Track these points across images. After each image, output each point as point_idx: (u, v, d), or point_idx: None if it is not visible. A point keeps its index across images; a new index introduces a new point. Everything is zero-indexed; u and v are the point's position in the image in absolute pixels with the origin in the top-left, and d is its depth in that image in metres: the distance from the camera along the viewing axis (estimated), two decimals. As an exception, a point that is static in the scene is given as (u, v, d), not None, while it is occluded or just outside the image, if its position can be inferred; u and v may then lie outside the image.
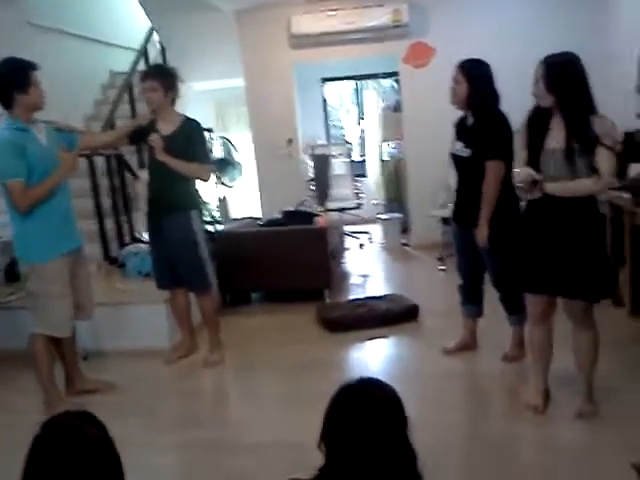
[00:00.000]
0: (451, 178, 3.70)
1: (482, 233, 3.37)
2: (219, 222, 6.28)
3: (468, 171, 3.45)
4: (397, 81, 7.40)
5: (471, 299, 3.76)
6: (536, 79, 2.74)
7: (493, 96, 3.38)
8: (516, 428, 2.96)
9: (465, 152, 3.40)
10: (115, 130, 4.66)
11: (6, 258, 4.40)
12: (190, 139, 3.76)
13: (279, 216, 5.52)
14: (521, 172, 2.77)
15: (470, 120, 3.44)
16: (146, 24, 7.19)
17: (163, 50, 7.29)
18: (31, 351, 3.36)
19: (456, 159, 3.51)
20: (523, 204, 3.04)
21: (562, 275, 2.76)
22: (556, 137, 2.72)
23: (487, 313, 3.78)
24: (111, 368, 4.05)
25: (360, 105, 9.10)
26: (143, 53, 6.82)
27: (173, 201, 3.76)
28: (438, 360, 3.77)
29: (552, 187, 2.73)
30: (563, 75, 2.67)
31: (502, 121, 3.34)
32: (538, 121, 2.81)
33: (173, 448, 3.10)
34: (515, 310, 3.55)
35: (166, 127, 3.77)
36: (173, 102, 3.82)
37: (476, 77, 3.35)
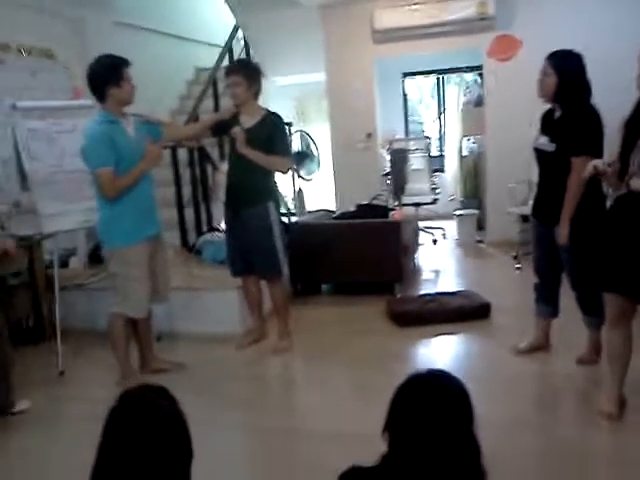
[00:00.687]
0: (533, 174, 3.58)
1: (563, 232, 3.25)
2: (294, 214, 6.37)
3: (551, 167, 3.31)
4: (480, 75, 7.23)
5: (546, 299, 3.64)
6: None
7: (584, 89, 3.22)
8: (588, 435, 2.84)
9: (550, 147, 3.26)
10: (198, 123, 4.81)
11: (91, 242, 4.65)
12: (271, 132, 3.84)
13: (354, 209, 5.54)
14: (588, 165, 2.66)
15: (557, 113, 3.30)
16: (230, 21, 7.37)
17: (247, 46, 7.45)
18: (110, 330, 3.55)
19: (539, 154, 3.38)
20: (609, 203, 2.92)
21: None
22: None
23: (563, 313, 3.65)
24: (183, 350, 4.20)
25: (441, 100, 8.97)
26: (228, 49, 6.99)
27: (252, 192, 3.84)
28: (509, 360, 3.67)
29: (636, 183, 2.61)
30: None
31: (591, 115, 3.17)
32: (638, 117, 2.67)
33: (238, 429, 3.20)
34: (592, 312, 3.41)
35: (248, 120, 3.86)
36: (256, 96, 3.90)
37: (565, 69, 3.21)
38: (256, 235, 3.87)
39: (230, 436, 3.12)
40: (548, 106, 3.40)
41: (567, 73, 3.21)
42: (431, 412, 1.38)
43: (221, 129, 4.00)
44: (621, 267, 2.70)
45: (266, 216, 3.88)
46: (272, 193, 3.99)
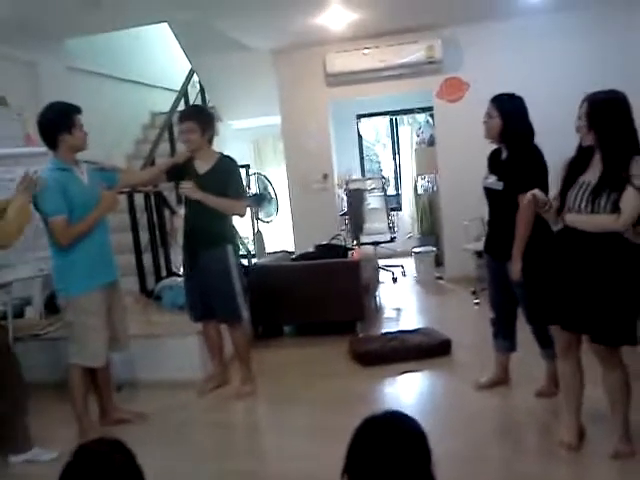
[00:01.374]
0: (485, 211, 3.70)
1: (516, 267, 3.33)
2: (253, 256, 6.36)
3: (501, 204, 3.43)
4: (432, 116, 7.45)
5: (504, 333, 3.71)
6: (579, 115, 2.72)
7: (527, 130, 3.37)
8: (549, 467, 2.88)
9: (498, 185, 3.39)
10: (153, 168, 4.82)
11: (47, 291, 4.55)
12: (225, 176, 3.86)
13: (312, 250, 5.58)
14: (528, 193, 2.77)
15: (504, 154, 3.44)
16: (185, 65, 7.45)
17: (202, 90, 7.52)
18: (68, 381, 3.46)
19: (489, 192, 3.50)
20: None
21: (583, 313, 2.69)
22: (592, 173, 2.70)
23: (521, 347, 3.72)
24: (144, 399, 4.11)
25: (395, 140, 9.19)
26: (183, 94, 7.05)
27: (210, 236, 3.84)
28: (471, 395, 3.71)
29: (571, 218, 2.73)
30: (605, 113, 2.63)
31: (535, 155, 3.33)
32: (580, 159, 2.79)
33: (203, 477, 3.13)
34: (548, 344, 3.47)
35: (202, 165, 3.88)
36: (210, 141, 3.93)
37: (509, 111, 3.36)
38: (215, 279, 3.86)
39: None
40: (495, 146, 3.54)
41: (511, 115, 3.36)
42: (388, 454, 1.39)
43: (176, 173, 3.99)
44: (565, 303, 2.78)
45: (225, 259, 3.87)
46: (229, 236, 3.99)
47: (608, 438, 2.86)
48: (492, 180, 3.45)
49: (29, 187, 3.22)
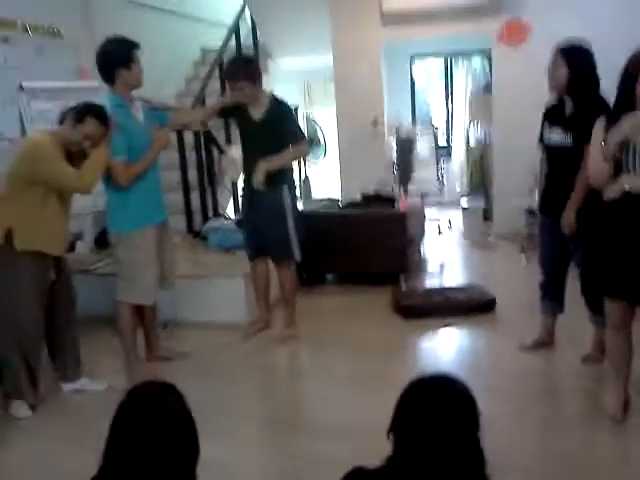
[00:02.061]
0: (540, 167, 3.57)
1: (570, 218, 3.25)
2: (300, 201, 6.33)
3: (566, 160, 3.28)
4: (489, 60, 7.14)
5: (552, 295, 3.63)
6: None
7: (594, 82, 3.22)
8: (592, 436, 2.87)
9: (567, 140, 3.25)
10: (205, 108, 4.78)
11: (97, 227, 4.63)
12: (282, 120, 3.85)
13: (359, 199, 5.51)
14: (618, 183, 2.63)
15: (569, 107, 3.28)
16: (236, 1, 7.26)
17: (254, 27, 7.35)
18: (117, 317, 3.56)
19: (552, 148, 3.37)
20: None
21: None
22: None
23: (569, 310, 3.64)
24: (189, 338, 4.21)
25: (449, 84, 8.88)
26: (235, 30, 6.90)
27: (268, 177, 3.79)
28: (513, 355, 3.68)
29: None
30: None
31: (606, 107, 3.14)
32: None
33: (244, 418, 3.21)
34: (599, 310, 3.39)
35: (256, 111, 3.84)
36: (261, 87, 3.88)
37: (577, 62, 3.20)
38: (270, 218, 3.89)
39: (235, 425, 3.13)
40: (551, 99, 3.38)
41: (579, 67, 3.21)
42: (436, 416, 1.39)
43: (228, 113, 4.00)
44: (624, 272, 2.69)
45: (280, 199, 3.89)
46: (286, 177, 3.98)
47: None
48: (557, 135, 3.30)
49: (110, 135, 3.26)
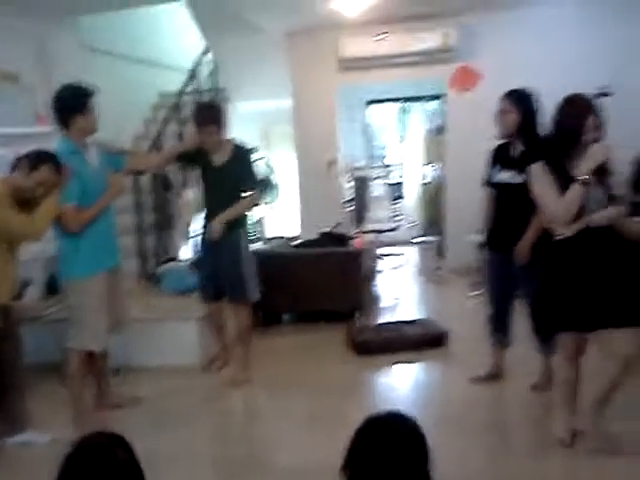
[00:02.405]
0: (485, 206, 3.70)
1: (525, 250, 3.37)
2: (254, 241, 6.38)
3: (514, 198, 3.41)
4: (443, 104, 7.38)
5: (500, 328, 3.74)
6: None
7: (539, 124, 3.41)
8: (540, 462, 2.92)
9: (518, 179, 3.37)
10: (162, 152, 4.81)
11: (47, 272, 4.58)
12: (242, 167, 3.96)
13: (316, 237, 5.58)
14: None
15: (518, 148, 3.45)
16: (195, 46, 7.40)
17: (214, 71, 7.46)
18: (66, 365, 3.48)
19: (503, 188, 3.51)
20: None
21: (616, 305, 2.74)
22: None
23: (517, 339, 3.74)
24: (141, 383, 4.15)
25: (404, 127, 9.12)
26: (193, 74, 7.01)
27: (236, 224, 3.92)
28: (465, 388, 3.75)
29: (596, 218, 2.76)
30: None
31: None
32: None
33: (200, 462, 3.18)
34: (546, 339, 3.51)
35: (218, 157, 3.92)
36: (225, 131, 3.98)
37: (526, 107, 3.40)
38: (227, 262, 3.94)
39: (192, 469, 3.09)
40: (499, 141, 3.54)
41: (527, 110, 3.39)
42: (387, 453, 1.43)
43: (188, 159, 4.05)
44: (574, 305, 2.80)
45: (236, 244, 3.96)
46: (241, 222, 4.06)
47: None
48: (507, 175, 3.46)
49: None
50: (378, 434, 1.48)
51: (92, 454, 1.44)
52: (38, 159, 3.16)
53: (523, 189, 3.33)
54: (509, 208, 3.51)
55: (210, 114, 3.92)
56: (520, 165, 3.39)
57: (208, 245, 3.98)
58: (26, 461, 3.24)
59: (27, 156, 3.19)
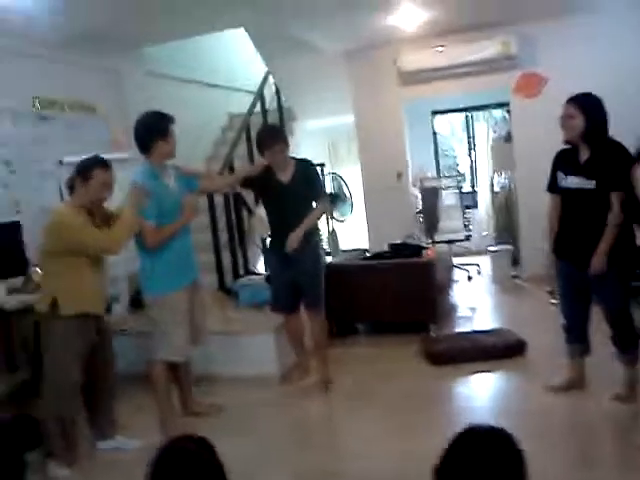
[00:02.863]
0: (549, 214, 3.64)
1: (600, 261, 3.29)
2: (328, 254, 6.46)
3: (588, 205, 3.34)
4: (508, 111, 7.31)
5: (577, 337, 3.65)
6: None
7: (606, 129, 3.34)
8: (625, 475, 2.82)
9: (589, 185, 3.31)
10: (231, 176, 5.01)
11: (132, 288, 4.82)
12: (308, 180, 4.11)
13: (387, 249, 5.62)
14: None
15: (585, 153, 3.37)
16: (260, 68, 7.63)
17: (278, 92, 7.68)
18: (150, 376, 3.67)
19: (572, 194, 3.42)
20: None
21: None
22: None
23: (598, 347, 3.63)
24: (221, 393, 4.28)
25: (471, 136, 9.06)
26: (260, 95, 7.22)
27: (305, 236, 4.03)
28: (544, 398, 3.67)
29: None
30: None
31: (624, 149, 3.28)
32: None
33: (282, 472, 3.24)
34: (629, 348, 3.42)
35: (284, 174, 4.08)
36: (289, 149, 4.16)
37: (593, 111, 3.32)
38: (306, 271, 4.07)
39: (271, 476, 3.18)
40: (563, 146, 3.49)
41: (594, 115, 3.32)
42: (484, 468, 1.38)
43: (254, 183, 4.22)
44: None
45: (315, 253, 4.15)
46: (316, 232, 4.25)
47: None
48: (577, 181, 3.38)
49: (139, 200, 3.46)
50: (476, 445, 1.42)
51: (180, 457, 1.50)
52: (86, 167, 3.30)
53: (594, 195, 3.31)
54: (578, 214, 3.42)
55: (275, 133, 4.15)
56: (588, 171, 3.33)
57: (284, 258, 4.09)
58: (118, 465, 3.41)
59: (77, 172, 3.33)
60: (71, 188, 3.39)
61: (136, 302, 4.74)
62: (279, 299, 4.27)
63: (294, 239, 3.96)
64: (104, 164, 3.35)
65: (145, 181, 3.52)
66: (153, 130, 3.58)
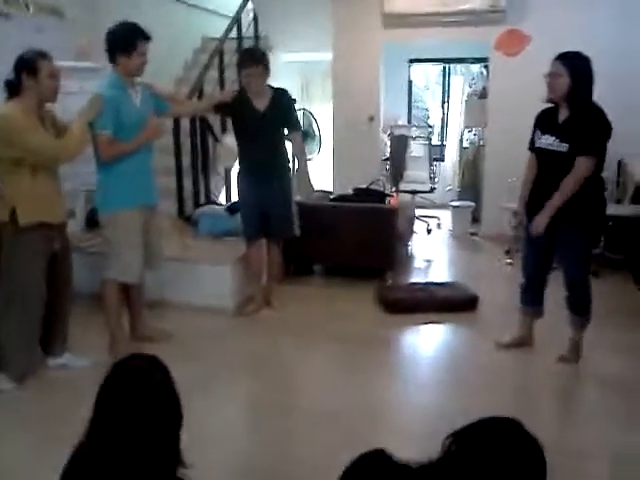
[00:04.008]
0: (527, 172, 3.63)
1: (542, 221, 3.33)
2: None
3: (559, 167, 3.30)
4: (486, 67, 7.22)
5: (532, 299, 3.70)
6: None
7: (591, 91, 3.29)
8: (562, 431, 2.94)
9: (562, 147, 3.28)
10: (203, 101, 4.83)
11: (89, 206, 4.66)
12: (284, 110, 4.11)
13: (351, 192, 5.57)
14: None
15: (565, 114, 3.32)
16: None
17: (256, 18, 7.39)
18: (102, 295, 3.61)
19: (544, 154, 3.40)
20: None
21: None
22: None
23: (549, 310, 3.70)
24: (174, 320, 4.24)
25: (446, 88, 8.96)
26: (236, 20, 6.93)
27: (278, 168, 4.20)
28: (491, 353, 3.75)
29: None
30: None
31: (603, 116, 3.25)
32: None
33: (228, 400, 3.28)
34: (581, 312, 3.50)
35: (260, 102, 4.03)
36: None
37: (578, 70, 3.25)
38: (279, 203, 4.20)
39: (222, 401, 3.21)
40: (545, 105, 3.44)
41: (580, 74, 3.25)
42: (498, 463, 1.28)
43: (227, 108, 4.16)
44: None
45: (288, 185, 4.29)
46: (289, 167, 4.37)
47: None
48: (551, 141, 3.34)
49: (94, 108, 3.30)
50: (496, 435, 1.33)
51: (131, 375, 1.49)
52: (31, 60, 3.11)
53: (568, 158, 3.27)
54: (550, 175, 3.38)
55: (258, 56, 4.06)
56: (563, 132, 3.30)
57: (253, 186, 4.15)
58: (65, 383, 3.37)
59: (21, 68, 3.10)
60: (11, 89, 3.15)
61: (92, 221, 4.60)
62: (247, 225, 4.30)
63: (305, 189, 4.29)
64: (44, 55, 3.17)
65: (107, 90, 3.37)
66: (118, 43, 3.40)
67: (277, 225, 4.28)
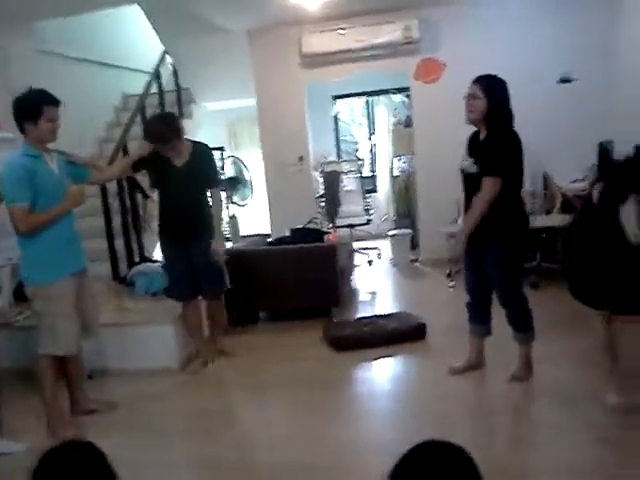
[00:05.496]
0: (460, 194, 3.68)
1: (460, 240, 3.44)
2: (228, 239, 6.31)
3: (475, 188, 3.37)
4: (408, 96, 7.41)
5: (479, 318, 3.72)
6: None
7: (509, 114, 3.35)
8: (520, 452, 2.92)
9: (473, 168, 3.36)
10: (123, 161, 4.69)
11: (16, 279, 4.47)
12: (204, 164, 4.03)
13: (288, 234, 5.54)
14: None
15: (483, 135, 3.40)
16: (158, 47, 7.29)
17: (175, 72, 7.38)
18: (37, 372, 3.40)
19: (465, 176, 3.48)
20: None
21: None
22: None
23: (497, 330, 3.72)
24: (116, 388, 4.07)
25: (371, 120, 9.13)
26: (156, 75, 6.91)
27: (200, 222, 4.03)
28: (445, 380, 3.73)
29: None
30: None
31: (510, 139, 3.31)
32: None
33: (182, 466, 3.12)
34: (522, 328, 3.53)
35: (179, 159, 3.96)
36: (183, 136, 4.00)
37: (494, 92, 3.32)
38: (206, 260, 4.04)
39: (171, 474, 3.03)
40: (474, 128, 3.50)
41: (497, 97, 3.33)
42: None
43: (145, 164, 4.03)
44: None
45: (209, 240, 4.07)
46: (210, 222, 4.11)
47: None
48: (468, 163, 3.42)
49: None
50: (435, 458, 1.32)
51: (60, 467, 1.37)
52: None
53: (477, 178, 3.33)
54: (470, 197, 3.43)
55: (166, 129, 3.89)
56: (478, 153, 3.37)
57: (177, 246, 4.04)
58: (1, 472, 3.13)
59: None
60: None
61: (20, 294, 4.40)
62: (177, 286, 4.19)
63: (218, 251, 4.04)
64: None
65: (19, 159, 3.24)
66: (22, 112, 3.28)
67: (207, 283, 4.16)
